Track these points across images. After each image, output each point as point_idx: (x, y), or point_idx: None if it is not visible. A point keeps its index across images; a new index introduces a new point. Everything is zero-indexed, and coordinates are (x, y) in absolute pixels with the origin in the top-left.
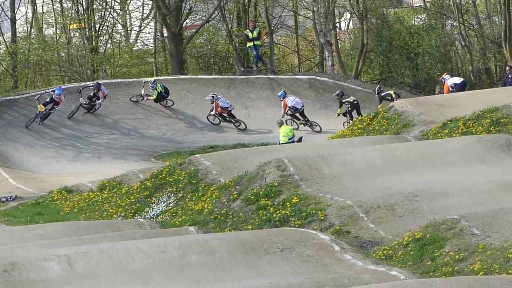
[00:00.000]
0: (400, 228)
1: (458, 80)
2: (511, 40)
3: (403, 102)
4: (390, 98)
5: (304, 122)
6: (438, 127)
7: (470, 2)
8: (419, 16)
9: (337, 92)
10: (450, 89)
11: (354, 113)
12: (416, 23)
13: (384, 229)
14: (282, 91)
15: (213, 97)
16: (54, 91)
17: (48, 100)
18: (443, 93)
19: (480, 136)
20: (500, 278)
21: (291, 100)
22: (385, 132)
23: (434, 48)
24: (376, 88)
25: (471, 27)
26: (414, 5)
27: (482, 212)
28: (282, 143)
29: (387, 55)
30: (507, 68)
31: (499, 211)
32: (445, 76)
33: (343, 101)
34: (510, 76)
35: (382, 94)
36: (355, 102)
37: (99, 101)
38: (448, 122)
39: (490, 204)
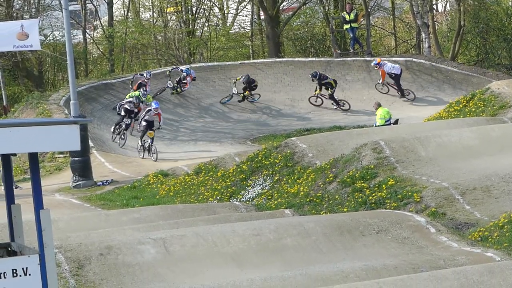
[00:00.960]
0: (496, 210)
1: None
2: None
3: (500, 84)
4: (330, 86)
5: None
6: None
7: None
8: None
9: (311, 73)
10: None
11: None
12: None
13: (480, 211)
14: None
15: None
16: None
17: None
18: None
19: None
20: None
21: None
22: (481, 114)
23: None
24: (312, 73)
25: None
26: None
27: None
28: (379, 125)
29: (484, 37)
30: None
31: None
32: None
33: (323, 82)
34: None
35: (323, 82)
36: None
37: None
38: None
39: None
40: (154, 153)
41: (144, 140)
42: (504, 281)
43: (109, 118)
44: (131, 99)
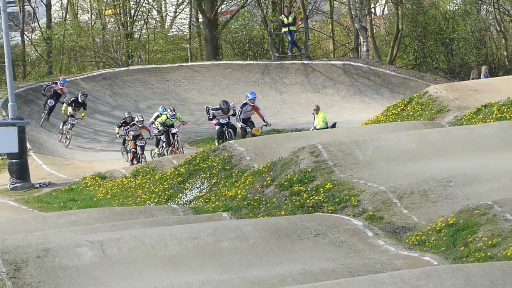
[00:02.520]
0: (433, 214)
1: None
2: None
3: (437, 87)
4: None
5: None
6: (472, 112)
7: None
8: (454, 1)
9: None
10: None
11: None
12: (451, 9)
13: (417, 215)
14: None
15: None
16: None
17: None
18: (478, 78)
19: None
20: None
21: None
22: (419, 118)
23: (469, 33)
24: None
25: (506, 12)
26: None
27: None
28: (318, 129)
29: (422, 41)
30: None
31: None
32: None
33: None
34: None
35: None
36: None
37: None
38: (483, 108)
39: None
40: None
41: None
42: (441, 285)
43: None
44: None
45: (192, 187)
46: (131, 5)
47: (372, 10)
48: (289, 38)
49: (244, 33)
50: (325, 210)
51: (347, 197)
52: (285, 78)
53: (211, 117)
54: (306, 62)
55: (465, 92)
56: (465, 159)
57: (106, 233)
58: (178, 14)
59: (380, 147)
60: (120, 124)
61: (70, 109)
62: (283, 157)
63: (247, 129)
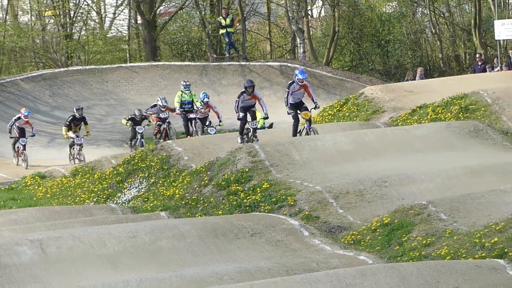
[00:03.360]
0: (369, 214)
1: None
2: (480, 27)
3: (373, 89)
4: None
5: None
6: (408, 113)
7: None
8: (390, 3)
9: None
10: None
11: None
12: (387, 11)
13: (353, 214)
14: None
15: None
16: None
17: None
18: (414, 80)
19: (449, 123)
20: (466, 262)
21: None
22: (355, 119)
23: (405, 35)
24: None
25: (442, 15)
26: None
27: (450, 197)
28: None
29: (358, 43)
30: (477, 55)
31: (467, 197)
32: None
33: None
34: (479, 63)
35: None
36: None
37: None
38: (418, 109)
39: (457, 189)
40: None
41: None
42: (376, 284)
43: None
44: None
45: (130, 187)
46: (70, 7)
47: (309, 12)
48: (227, 40)
49: (183, 34)
50: (262, 210)
51: (284, 196)
52: (222, 79)
53: (238, 112)
54: (243, 63)
55: (401, 93)
56: (400, 159)
57: (46, 232)
58: (117, 16)
59: (316, 148)
60: (127, 118)
61: (70, 133)
62: (220, 157)
63: (298, 117)
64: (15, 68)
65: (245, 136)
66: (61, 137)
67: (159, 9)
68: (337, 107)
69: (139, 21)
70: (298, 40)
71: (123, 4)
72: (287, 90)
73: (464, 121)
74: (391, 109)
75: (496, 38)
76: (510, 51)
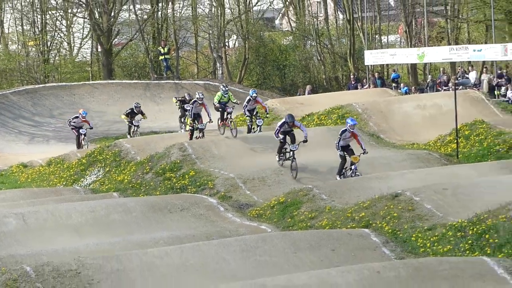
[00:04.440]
0: (269, 194)
1: None
2: (354, 55)
3: (274, 101)
4: None
5: None
6: (299, 120)
7: (325, 27)
8: (287, 37)
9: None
10: None
11: None
12: (284, 43)
13: (257, 195)
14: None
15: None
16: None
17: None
18: (304, 94)
19: (329, 127)
20: (341, 231)
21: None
22: None
23: (297, 61)
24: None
25: (325, 46)
26: (283, 29)
27: (329, 183)
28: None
29: (263, 66)
30: (351, 76)
31: (342, 182)
32: None
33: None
34: (353, 82)
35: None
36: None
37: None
38: (306, 116)
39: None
40: None
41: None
42: (273, 246)
43: None
44: None
45: (91, 174)
46: (47, 38)
47: (226, 43)
48: (165, 64)
49: (131, 59)
50: (189, 191)
51: (206, 181)
52: (161, 94)
53: (279, 136)
54: (176, 81)
55: (294, 105)
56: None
57: (27, 207)
58: (83, 45)
59: (231, 145)
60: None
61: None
62: (158, 152)
63: (346, 157)
64: (5, 84)
65: (282, 155)
66: (40, 136)
67: (114, 41)
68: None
69: (99, 49)
70: (218, 64)
71: (87, 36)
72: (339, 136)
73: (341, 126)
74: None
75: (366, 63)
76: (376, 73)
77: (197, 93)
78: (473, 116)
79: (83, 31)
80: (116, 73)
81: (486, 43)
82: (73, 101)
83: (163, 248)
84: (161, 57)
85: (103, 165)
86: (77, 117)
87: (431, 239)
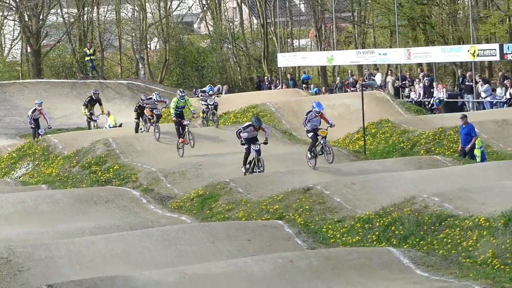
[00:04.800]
0: (188, 187)
1: None
2: (268, 58)
3: (193, 101)
4: None
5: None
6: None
7: (240, 31)
8: (205, 40)
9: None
10: None
11: None
12: (203, 45)
13: (178, 188)
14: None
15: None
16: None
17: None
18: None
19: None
20: (256, 222)
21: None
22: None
23: (215, 63)
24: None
25: (241, 49)
26: (201, 33)
27: (245, 177)
28: (111, 127)
29: (182, 67)
30: (265, 77)
31: (256, 176)
32: None
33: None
34: (266, 83)
35: None
36: None
37: None
38: (224, 114)
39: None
40: None
41: None
42: (193, 236)
43: None
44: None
45: (21, 167)
46: None
47: (148, 45)
48: (90, 64)
49: (59, 59)
50: (114, 184)
51: (129, 175)
52: (87, 92)
53: (242, 141)
54: (102, 81)
55: None
56: (210, 149)
57: None
58: (13, 46)
59: (153, 141)
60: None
61: (86, 110)
62: (85, 146)
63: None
64: None
65: (248, 165)
66: None
67: (43, 42)
68: (167, 111)
69: (29, 50)
70: (140, 65)
71: (18, 38)
72: (305, 116)
73: None
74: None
75: (279, 65)
76: (288, 75)
77: (153, 94)
78: (379, 115)
79: (13, 33)
80: (44, 72)
81: (390, 47)
82: (4, 99)
83: (90, 238)
84: (87, 58)
85: (32, 159)
86: (34, 110)
87: (341, 230)
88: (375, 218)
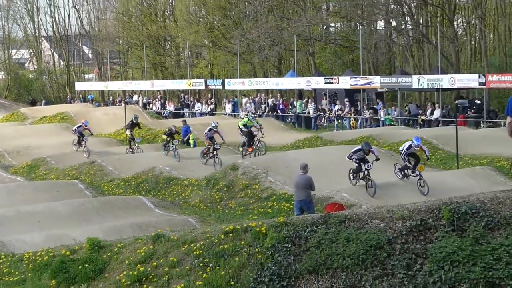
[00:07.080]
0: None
1: None
2: (69, 84)
3: (24, 109)
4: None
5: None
6: (40, 119)
7: (53, 68)
8: (32, 74)
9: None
10: None
11: None
12: (31, 76)
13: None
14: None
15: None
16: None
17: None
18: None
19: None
20: (62, 181)
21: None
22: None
23: (38, 87)
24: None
25: (54, 79)
26: (30, 69)
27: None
28: None
29: (18, 89)
30: (68, 96)
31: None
32: None
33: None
34: (69, 99)
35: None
36: None
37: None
38: (42, 117)
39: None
40: None
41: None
42: (26, 190)
43: None
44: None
45: None
46: None
47: None
48: None
49: None
50: None
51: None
52: None
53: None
54: None
55: (36, 111)
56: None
57: None
58: None
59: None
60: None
61: (128, 132)
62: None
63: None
64: None
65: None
66: None
67: None
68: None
69: None
70: None
71: None
72: (405, 151)
73: (59, 124)
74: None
75: (76, 89)
76: (81, 95)
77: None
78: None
79: None
80: None
81: (142, 79)
82: None
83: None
84: None
85: None
86: (80, 126)
87: (112, 186)
88: (132, 179)
